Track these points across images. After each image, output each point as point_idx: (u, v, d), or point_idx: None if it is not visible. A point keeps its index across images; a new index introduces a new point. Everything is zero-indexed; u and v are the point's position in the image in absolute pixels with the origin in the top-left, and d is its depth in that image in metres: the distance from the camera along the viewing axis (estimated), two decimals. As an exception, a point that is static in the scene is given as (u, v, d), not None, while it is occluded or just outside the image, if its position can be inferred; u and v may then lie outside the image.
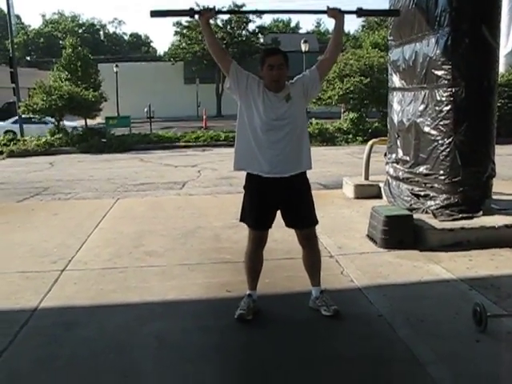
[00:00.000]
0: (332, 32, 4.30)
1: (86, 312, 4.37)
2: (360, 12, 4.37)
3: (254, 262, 4.20)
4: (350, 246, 5.93)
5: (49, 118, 23.67)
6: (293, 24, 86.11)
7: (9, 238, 6.75)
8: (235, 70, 4.01)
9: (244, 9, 45.25)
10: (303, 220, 4.11)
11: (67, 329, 4.05)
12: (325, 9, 4.22)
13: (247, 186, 4.14)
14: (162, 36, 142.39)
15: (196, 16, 4.21)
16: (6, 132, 24.43)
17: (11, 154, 19.58)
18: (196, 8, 4.25)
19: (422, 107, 6.78)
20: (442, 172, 6.40)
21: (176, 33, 48.09)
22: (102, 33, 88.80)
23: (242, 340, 3.88)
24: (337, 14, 4.13)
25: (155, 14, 4.24)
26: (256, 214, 4.07)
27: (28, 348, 3.80)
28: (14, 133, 24.03)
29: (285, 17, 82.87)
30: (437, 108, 6.42)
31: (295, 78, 4.14)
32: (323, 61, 4.17)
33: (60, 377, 3.41)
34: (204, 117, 30.72)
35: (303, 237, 4.17)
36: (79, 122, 26.75)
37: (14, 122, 25.34)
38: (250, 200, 4.11)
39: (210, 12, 4.11)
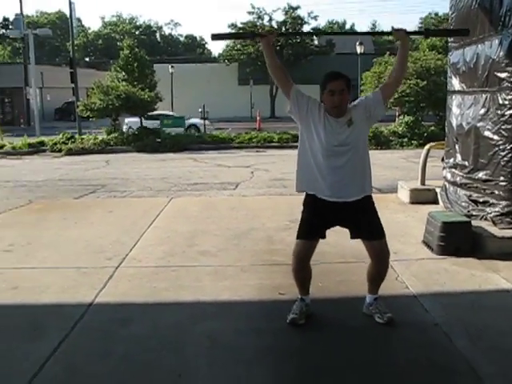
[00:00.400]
0: (397, 53, 4.13)
1: (140, 309, 4.43)
2: (427, 32, 4.26)
3: (302, 273, 4.10)
4: (405, 252, 5.80)
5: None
6: (348, 26, 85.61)
7: (66, 233, 6.91)
8: (296, 94, 3.94)
9: (299, 11, 45.35)
10: (370, 232, 3.97)
11: (121, 325, 4.10)
12: (390, 30, 4.10)
13: (306, 202, 4.05)
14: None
15: (258, 36, 4.13)
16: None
17: (69, 152, 20.12)
18: (259, 24, 4.24)
19: (482, 111, 6.58)
20: (502, 178, 6.19)
21: (231, 34, 48.42)
22: (158, 34, 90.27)
23: (294, 344, 3.85)
24: (402, 35, 3.98)
25: (216, 37, 4.26)
26: (309, 226, 3.99)
27: (83, 342, 3.89)
28: (150, 129, 24.62)
29: (340, 18, 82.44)
30: (499, 112, 6.21)
31: (357, 101, 4.04)
32: (387, 84, 4.03)
33: (114, 372, 3.46)
34: (258, 118, 30.78)
35: (374, 250, 3.98)
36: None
37: (148, 118, 25.89)
38: (307, 214, 4.02)
39: (271, 35, 4.03)
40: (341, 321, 4.15)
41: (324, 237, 4.04)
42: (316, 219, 3.97)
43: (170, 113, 29.01)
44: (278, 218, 7.36)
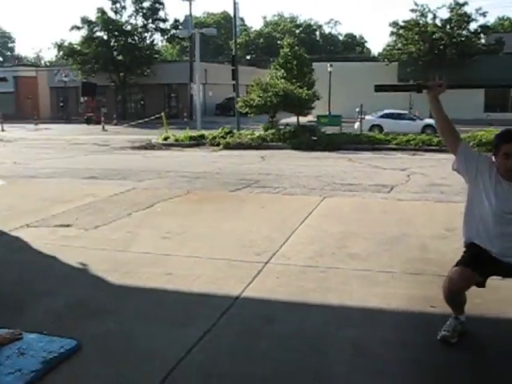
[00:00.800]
0: None
1: (285, 307, 4.40)
2: None
3: (455, 301, 3.75)
4: None
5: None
6: (522, 23, 79.77)
7: (219, 225, 7.12)
8: (464, 153, 3.65)
9: (466, 7, 42.96)
10: None
11: (266, 321, 4.11)
12: None
13: (469, 245, 3.76)
14: (377, 36, 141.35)
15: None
16: (373, 126, 26.44)
17: (227, 146, 20.86)
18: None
19: None
20: None
21: (392, 33, 47.23)
22: (318, 33, 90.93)
23: (443, 360, 3.58)
24: None
25: (380, 88, 4.22)
26: (473, 257, 3.64)
27: (227, 334, 3.95)
28: (381, 127, 25.82)
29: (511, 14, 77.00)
30: None
31: None
32: None
33: (256, 367, 3.46)
34: (416, 119, 29.80)
35: None
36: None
37: (382, 117, 26.81)
38: (471, 251, 3.71)
39: (439, 87, 3.76)
40: (498, 343, 3.80)
41: (483, 284, 3.71)
42: (480, 258, 3.62)
43: (402, 111, 29.59)
44: (433, 225, 7.00)
